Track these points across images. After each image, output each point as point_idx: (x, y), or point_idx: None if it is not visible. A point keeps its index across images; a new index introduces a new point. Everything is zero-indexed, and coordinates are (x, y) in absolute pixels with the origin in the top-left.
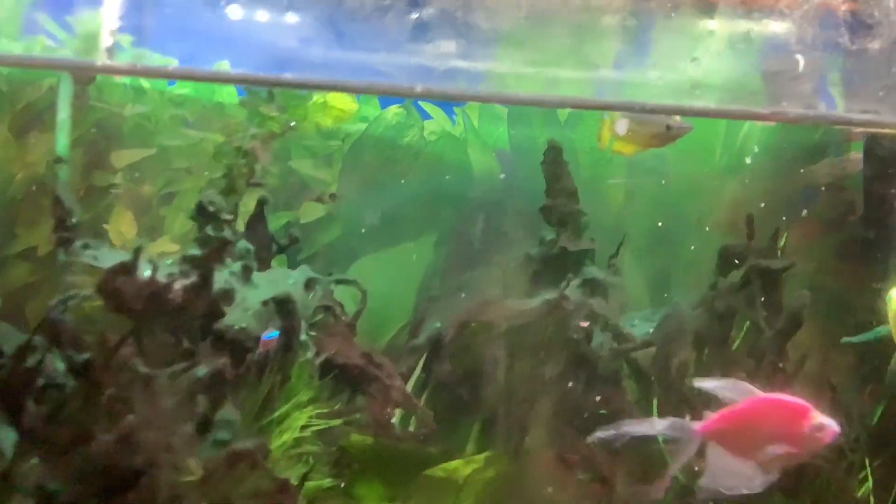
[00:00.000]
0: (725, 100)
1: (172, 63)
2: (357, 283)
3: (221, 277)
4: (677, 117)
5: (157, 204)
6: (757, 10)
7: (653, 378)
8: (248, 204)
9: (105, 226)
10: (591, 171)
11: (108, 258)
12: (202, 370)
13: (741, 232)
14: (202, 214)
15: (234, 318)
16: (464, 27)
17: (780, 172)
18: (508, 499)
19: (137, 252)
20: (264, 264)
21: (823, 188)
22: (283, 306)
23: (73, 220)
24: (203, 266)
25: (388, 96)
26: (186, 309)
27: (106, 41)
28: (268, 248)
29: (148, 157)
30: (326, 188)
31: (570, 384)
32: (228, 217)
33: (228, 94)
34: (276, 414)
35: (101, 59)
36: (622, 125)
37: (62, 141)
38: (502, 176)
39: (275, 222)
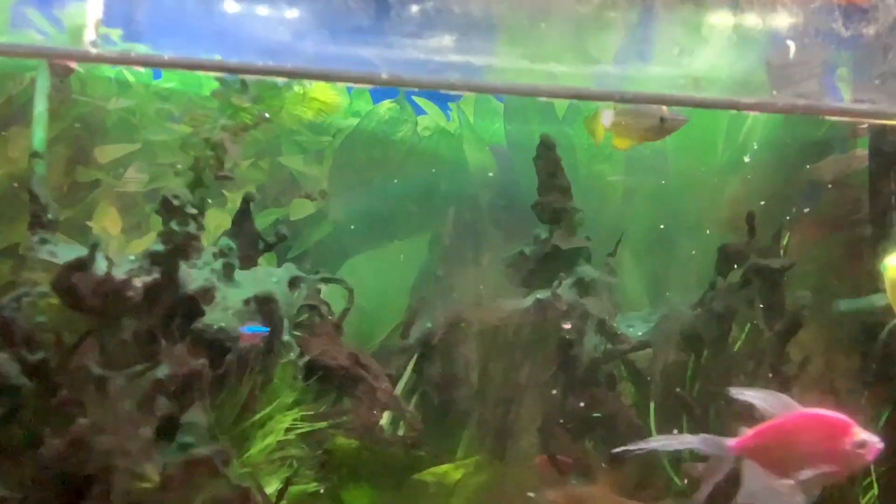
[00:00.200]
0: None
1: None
2: (344, 281)
3: (201, 275)
4: (664, 108)
5: (142, 200)
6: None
7: (650, 380)
8: (235, 200)
9: (89, 223)
10: (588, 169)
11: (67, 253)
12: (162, 371)
13: (742, 230)
14: (166, 208)
15: (214, 317)
16: (461, 21)
17: (783, 169)
18: None
19: (94, 247)
20: (250, 262)
21: (829, 185)
22: (264, 305)
23: (50, 216)
24: (166, 262)
25: (352, 83)
26: (148, 307)
27: (90, 35)
28: (254, 245)
29: (133, 153)
30: (317, 185)
31: (562, 387)
32: (193, 211)
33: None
34: (258, 416)
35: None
36: (608, 116)
37: (39, 135)
38: (491, 174)
39: (264, 219)
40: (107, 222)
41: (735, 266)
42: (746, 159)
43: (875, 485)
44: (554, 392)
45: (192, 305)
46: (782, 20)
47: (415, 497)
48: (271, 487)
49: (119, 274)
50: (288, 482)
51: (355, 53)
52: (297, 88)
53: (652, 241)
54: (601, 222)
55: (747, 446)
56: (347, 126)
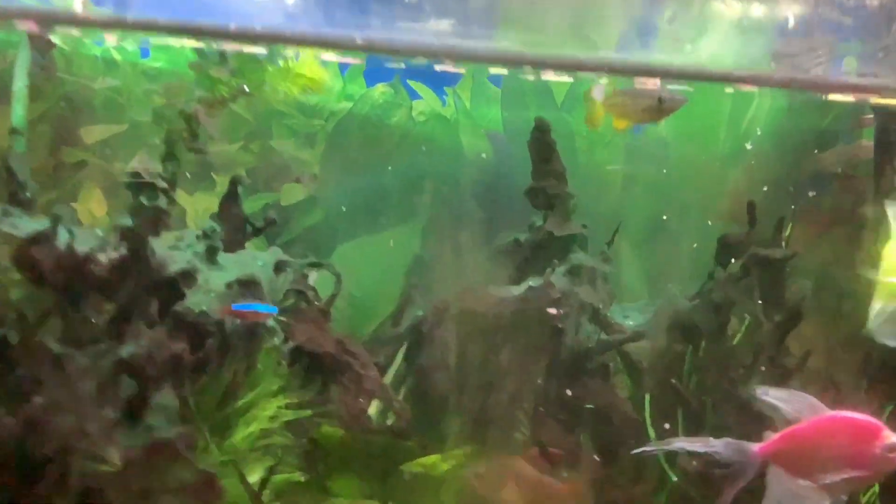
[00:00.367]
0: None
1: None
2: (331, 266)
3: (183, 257)
4: (659, 86)
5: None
6: None
7: (645, 372)
8: (225, 184)
9: (73, 204)
10: (588, 156)
11: (29, 226)
12: (127, 350)
13: (743, 220)
14: (136, 182)
15: (196, 299)
16: (460, 5)
17: (786, 159)
18: (490, 496)
19: (56, 220)
20: (238, 246)
21: (834, 175)
22: (247, 289)
23: (28, 194)
24: (135, 238)
25: (325, 48)
26: (115, 284)
27: (77, 5)
28: (241, 229)
29: (119, 133)
30: (308, 169)
31: (553, 377)
32: (163, 185)
33: None
34: (241, 403)
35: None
36: (598, 90)
37: (18, 112)
38: (486, 159)
39: (254, 204)
40: (92, 204)
41: (735, 257)
42: (748, 146)
43: (876, 483)
44: (543, 382)
45: (171, 287)
46: (788, 8)
47: (402, 488)
48: (255, 476)
49: (84, 248)
50: (271, 471)
51: (351, 37)
52: (281, 63)
53: (651, 231)
54: (600, 211)
55: (772, 451)
56: (340, 109)
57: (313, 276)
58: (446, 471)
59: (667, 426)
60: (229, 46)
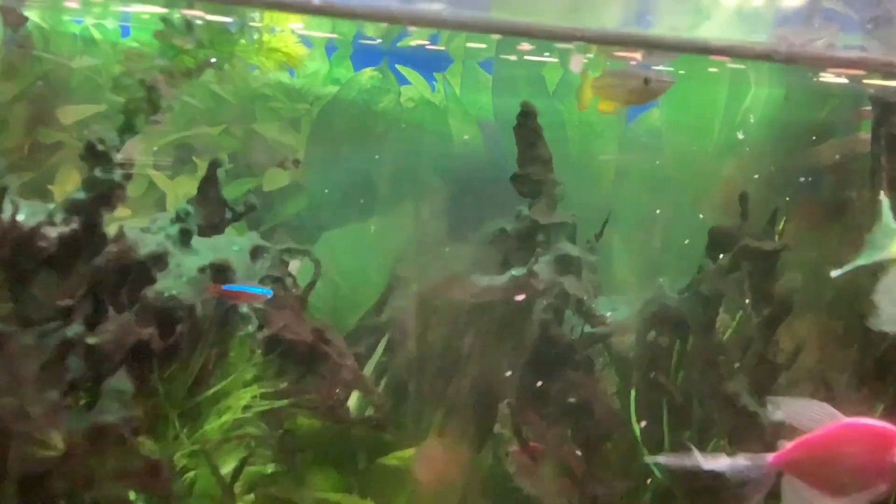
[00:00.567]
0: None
1: None
2: (310, 252)
3: (154, 240)
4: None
5: None
6: None
7: (630, 366)
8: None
9: (50, 186)
10: (580, 146)
11: None
12: (74, 330)
13: (737, 212)
14: (91, 154)
15: (166, 284)
16: None
17: (782, 151)
18: (469, 489)
19: (2, 192)
20: (217, 232)
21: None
22: (219, 274)
23: None
24: (88, 212)
25: (278, 9)
26: (66, 259)
27: None
28: (220, 214)
29: (98, 114)
30: (292, 154)
31: (534, 369)
32: (119, 157)
33: None
34: (211, 392)
35: None
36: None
37: None
38: (466, 137)
39: (236, 189)
40: (69, 186)
41: (726, 249)
42: (740, 136)
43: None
44: (524, 374)
45: (141, 270)
46: None
47: (379, 481)
48: (229, 467)
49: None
50: (244, 462)
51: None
52: (256, 36)
53: (644, 222)
54: (592, 201)
55: (787, 460)
56: (326, 94)
57: (296, 264)
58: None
59: (643, 423)
60: (209, 14)
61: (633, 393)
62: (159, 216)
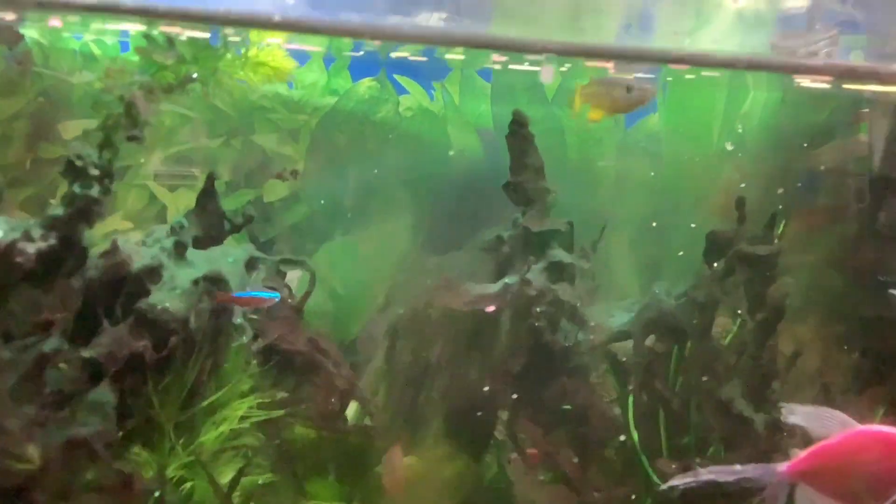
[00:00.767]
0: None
1: None
2: (305, 263)
3: (149, 253)
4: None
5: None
6: None
7: (629, 372)
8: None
9: (52, 201)
10: (579, 152)
11: None
12: (51, 345)
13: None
14: (70, 170)
15: (160, 296)
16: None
17: (782, 155)
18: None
19: None
20: (216, 244)
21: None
22: (213, 285)
23: None
24: (66, 227)
25: (240, 27)
26: (44, 275)
27: None
28: (219, 226)
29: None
30: (291, 165)
31: (530, 376)
32: (96, 173)
33: None
34: (206, 403)
35: None
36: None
37: None
38: (452, 153)
39: (236, 201)
40: None
41: (724, 254)
42: (740, 142)
43: None
44: (519, 381)
45: (133, 283)
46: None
47: (377, 490)
48: (227, 477)
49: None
50: (241, 473)
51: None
52: (243, 51)
53: (644, 228)
54: (591, 207)
55: (800, 470)
56: (325, 104)
57: (296, 274)
58: (422, 472)
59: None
60: (235, 36)
61: (630, 399)
62: (156, 229)
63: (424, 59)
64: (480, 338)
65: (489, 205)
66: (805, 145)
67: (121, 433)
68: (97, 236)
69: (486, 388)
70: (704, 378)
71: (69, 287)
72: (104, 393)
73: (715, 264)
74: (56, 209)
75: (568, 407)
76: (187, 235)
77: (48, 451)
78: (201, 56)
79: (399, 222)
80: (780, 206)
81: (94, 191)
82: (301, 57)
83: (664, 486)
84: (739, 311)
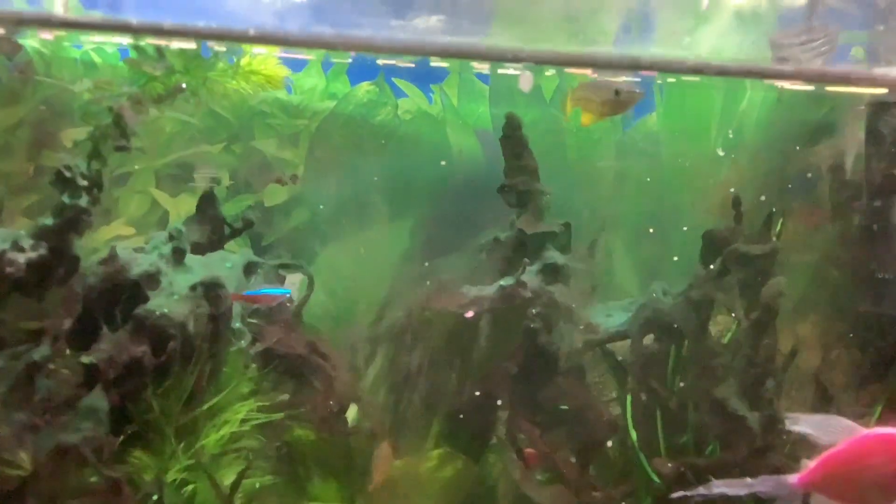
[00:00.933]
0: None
1: None
2: (303, 267)
3: (147, 259)
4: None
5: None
6: None
7: (627, 372)
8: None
9: None
10: (578, 152)
11: None
12: (41, 352)
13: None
14: (59, 180)
15: (159, 302)
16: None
17: (778, 153)
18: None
19: None
20: (216, 248)
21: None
22: (210, 291)
23: None
24: (56, 237)
25: (215, 40)
26: (35, 285)
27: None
28: (219, 231)
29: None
30: (291, 169)
31: (527, 377)
32: (85, 183)
33: None
34: (206, 406)
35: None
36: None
37: None
38: (443, 163)
39: (236, 205)
40: None
41: (720, 253)
42: (720, 152)
43: None
44: (516, 382)
45: (131, 289)
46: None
47: (378, 491)
48: (228, 480)
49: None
50: (242, 475)
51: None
52: (235, 60)
53: (643, 228)
54: (590, 207)
55: (812, 480)
56: (324, 109)
57: (297, 277)
58: (421, 473)
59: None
60: (219, 47)
61: (628, 399)
62: (155, 235)
63: (412, 65)
64: (475, 340)
65: (489, 206)
66: (803, 144)
67: (122, 438)
68: (100, 242)
69: (482, 391)
70: (703, 377)
71: (69, 293)
72: (97, 399)
73: (709, 263)
74: (45, 219)
75: (564, 407)
76: (185, 241)
77: (39, 457)
78: (192, 66)
79: (398, 225)
80: (777, 206)
81: (83, 201)
82: (298, 63)
83: (675, 496)
84: (735, 311)
